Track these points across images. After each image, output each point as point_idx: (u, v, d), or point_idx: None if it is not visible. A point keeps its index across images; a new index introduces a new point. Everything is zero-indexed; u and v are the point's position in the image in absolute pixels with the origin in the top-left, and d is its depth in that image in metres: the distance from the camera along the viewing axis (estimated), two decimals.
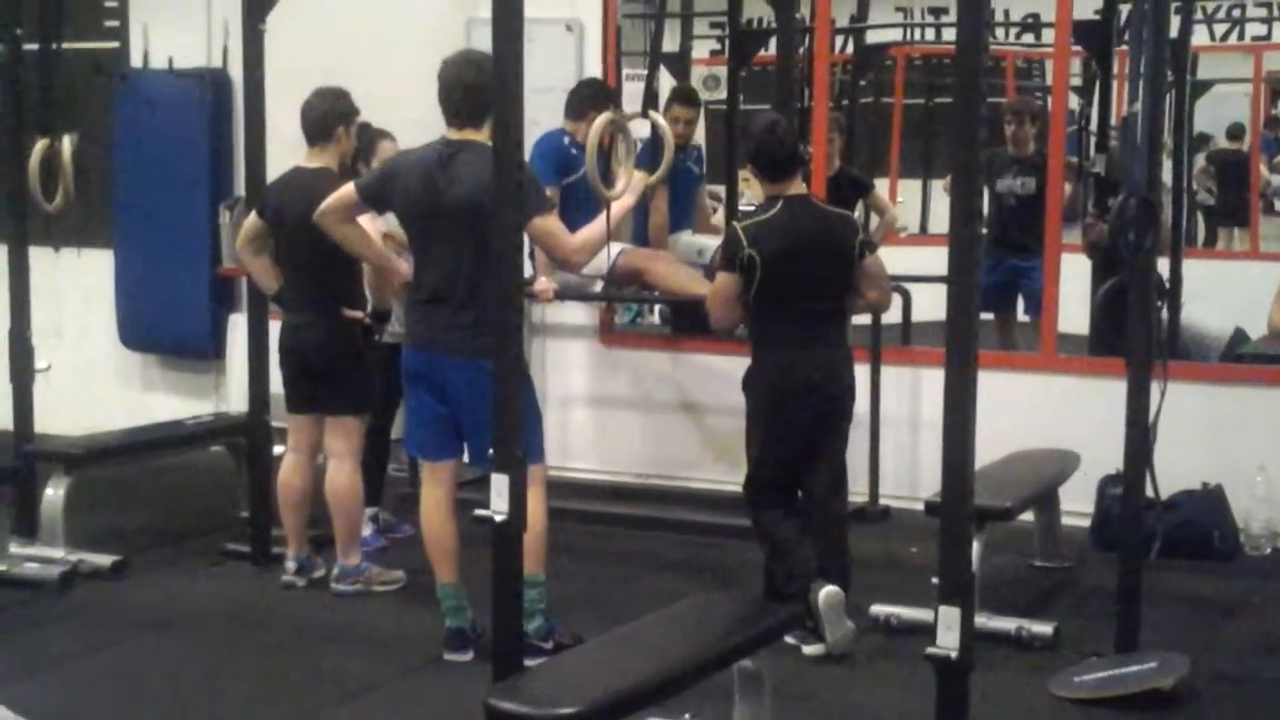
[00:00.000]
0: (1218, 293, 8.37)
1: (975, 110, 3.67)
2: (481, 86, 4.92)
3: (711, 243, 7.28)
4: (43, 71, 6.63)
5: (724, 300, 5.48)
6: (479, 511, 4.18)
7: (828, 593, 5.28)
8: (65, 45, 7.99)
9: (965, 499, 3.75)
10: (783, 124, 5.42)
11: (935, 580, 3.83)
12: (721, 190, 8.64)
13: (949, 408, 3.71)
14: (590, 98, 6.78)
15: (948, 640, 3.73)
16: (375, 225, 5.91)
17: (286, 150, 6.28)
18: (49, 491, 6.36)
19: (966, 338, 3.67)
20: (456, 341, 5.19)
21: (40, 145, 6.53)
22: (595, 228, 5.34)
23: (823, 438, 5.52)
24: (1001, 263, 8.16)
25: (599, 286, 7.05)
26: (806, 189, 5.63)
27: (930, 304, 8.11)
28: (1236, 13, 11.51)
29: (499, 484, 4.16)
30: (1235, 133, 12.64)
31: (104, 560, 6.30)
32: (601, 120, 5.01)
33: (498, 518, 4.15)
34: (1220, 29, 11.54)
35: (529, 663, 4.57)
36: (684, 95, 7.98)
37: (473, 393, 5.07)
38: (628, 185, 5.32)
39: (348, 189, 5.49)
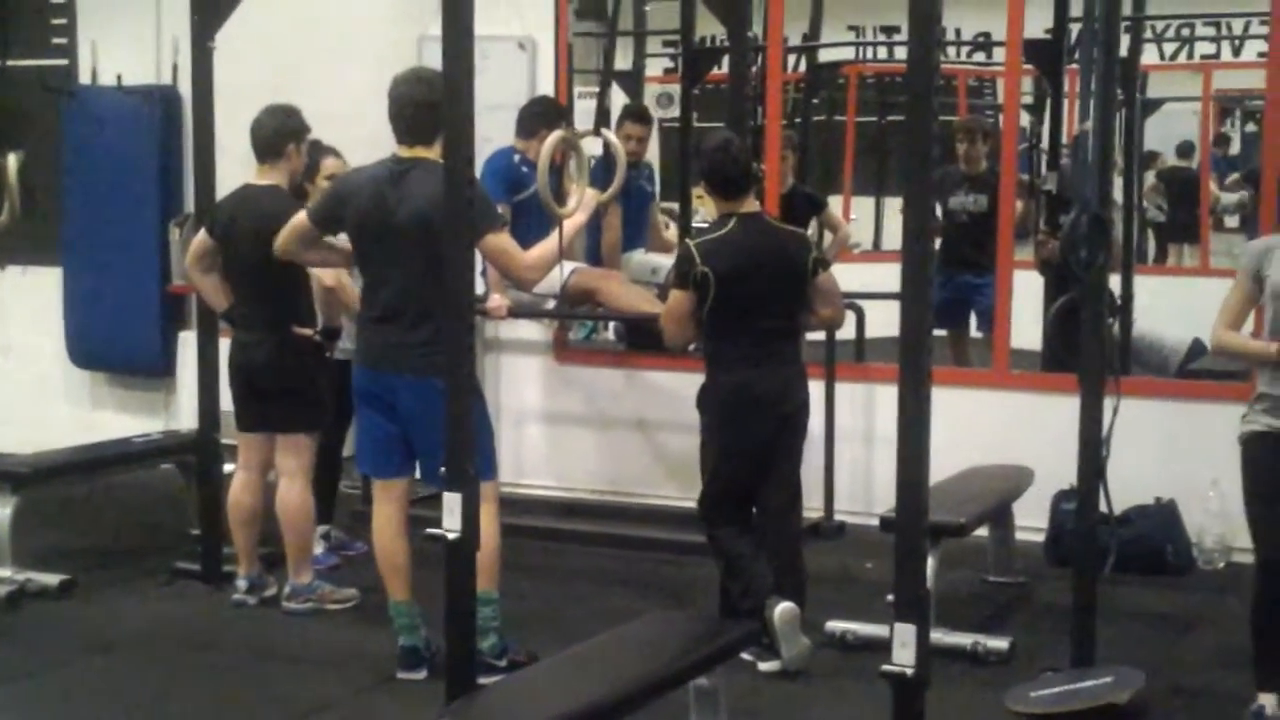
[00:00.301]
0: (1169, 308, 8.40)
1: (927, 128, 3.67)
2: (432, 104, 4.87)
3: (665, 261, 7.28)
4: None
5: (677, 318, 5.47)
6: (431, 530, 4.16)
7: (783, 609, 5.27)
8: (12, 63, 8.01)
9: (920, 516, 3.75)
10: (736, 142, 5.42)
11: (890, 598, 3.82)
12: (675, 207, 8.64)
13: (903, 425, 3.71)
14: (541, 115, 6.77)
15: (903, 657, 3.72)
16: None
17: (237, 167, 6.25)
18: None
19: (919, 354, 3.67)
20: (408, 360, 5.16)
21: None
22: (548, 245, 5.32)
23: (777, 454, 5.51)
24: (953, 279, 8.19)
25: (551, 304, 7.04)
26: (760, 206, 5.63)
27: (885, 320, 8.16)
28: (1186, 32, 11.57)
29: (451, 502, 4.14)
30: (1184, 151, 12.72)
31: (51, 580, 6.22)
32: (553, 138, 4.99)
33: (450, 536, 4.14)
34: (1170, 48, 11.60)
35: (483, 681, 4.61)
36: (636, 113, 7.98)
37: (424, 411, 5.03)
38: (580, 203, 5.29)
39: (299, 218, 5.44)
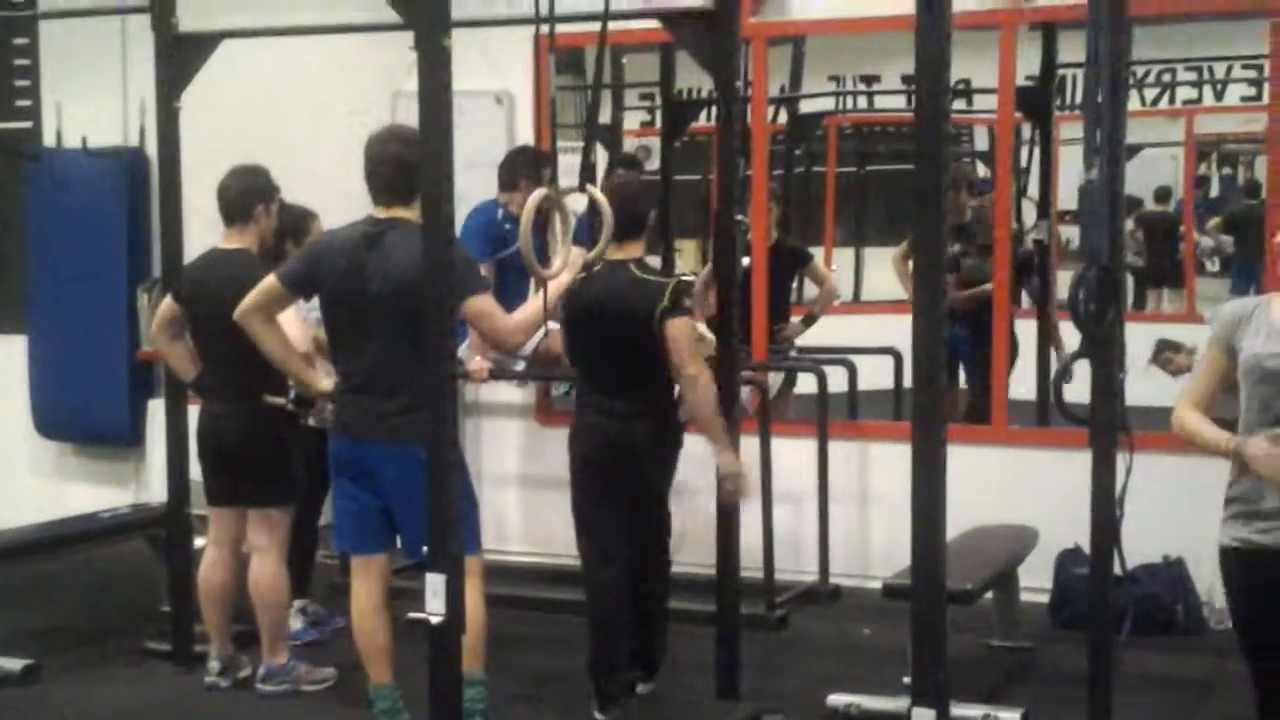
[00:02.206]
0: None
1: (938, 180, 3.50)
2: (410, 163, 4.77)
3: None
4: None
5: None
6: (414, 615, 3.93)
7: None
8: None
9: (938, 592, 3.53)
10: (630, 186, 5.61)
11: (907, 679, 3.59)
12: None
13: (918, 503, 3.49)
14: (523, 165, 6.57)
15: None
16: (303, 326, 5.64)
17: (208, 230, 6.02)
18: None
19: (933, 421, 3.45)
20: (387, 429, 4.96)
21: None
22: (532, 308, 5.15)
23: (622, 503, 5.35)
24: None
25: (520, 366, 6.83)
26: (641, 254, 5.44)
27: (872, 375, 8.00)
28: (1167, 77, 11.49)
29: (435, 584, 3.93)
30: (1162, 195, 12.70)
31: (14, 665, 5.94)
32: (536, 196, 4.77)
33: (434, 620, 3.89)
34: (1150, 93, 11.52)
35: None
36: (628, 161, 7.77)
37: (405, 481, 4.84)
38: (565, 263, 5.08)
39: (269, 281, 5.20)
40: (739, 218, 6.72)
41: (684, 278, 5.99)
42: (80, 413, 8.46)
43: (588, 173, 5.21)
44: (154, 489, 7.99)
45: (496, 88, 7.54)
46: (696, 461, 5.56)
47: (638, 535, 5.40)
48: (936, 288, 3.49)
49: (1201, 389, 4.04)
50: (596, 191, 5.11)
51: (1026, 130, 8.10)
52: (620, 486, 5.33)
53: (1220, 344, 3.99)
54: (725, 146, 5.38)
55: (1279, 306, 3.96)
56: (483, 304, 4.91)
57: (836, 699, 5.40)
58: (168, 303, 5.85)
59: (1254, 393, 3.88)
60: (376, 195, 5.08)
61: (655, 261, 8.38)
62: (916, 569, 3.55)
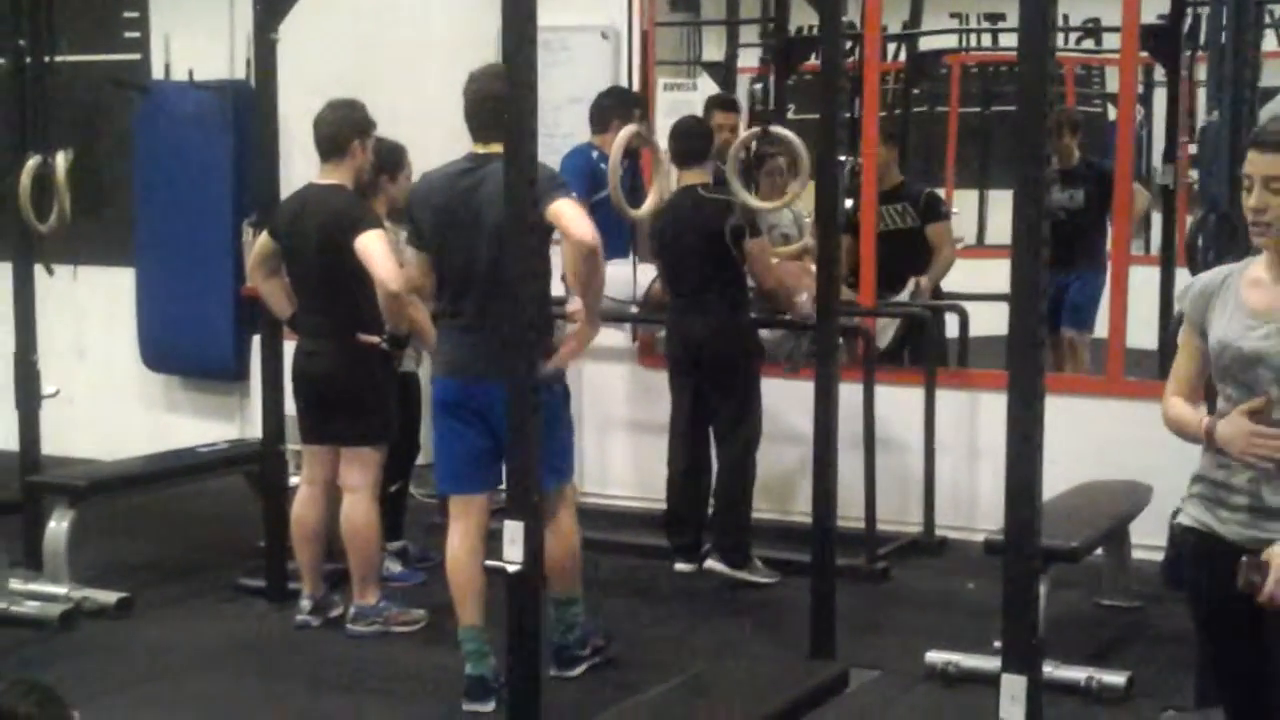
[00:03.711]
0: None
1: (1041, 121, 3.29)
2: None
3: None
4: (35, 85, 6.25)
5: None
6: (491, 563, 3.82)
7: None
8: (84, 57, 7.79)
9: (1032, 551, 3.35)
10: (687, 120, 6.34)
11: (998, 644, 3.43)
12: None
13: (1012, 456, 3.31)
14: (613, 107, 6.40)
15: (1013, 713, 3.32)
16: (397, 266, 5.53)
17: (311, 165, 5.89)
18: (51, 525, 6.02)
19: (1031, 374, 3.26)
20: (481, 359, 4.89)
21: (31, 163, 6.14)
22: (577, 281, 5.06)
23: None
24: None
25: (633, 310, 6.81)
26: (708, 179, 6.24)
27: (989, 321, 7.74)
28: None
29: (513, 531, 3.80)
30: None
31: (109, 597, 5.94)
32: (625, 133, 4.61)
33: (511, 568, 3.77)
34: None
35: (569, 673, 5.14)
36: (723, 101, 7.56)
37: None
38: (655, 203, 4.93)
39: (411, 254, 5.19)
40: (847, 158, 6.57)
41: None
42: (186, 347, 8.45)
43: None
44: (257, 424, 7.95)
45: (603, 22, 7.37)
46: (805, 409, 5.41)
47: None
48: (1037, 236, 3.30)
49: (1182, 374, 3.54)
50: (650, 135, 5.01)
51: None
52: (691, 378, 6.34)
53: (1193, 325, 3.50)
54: (828, 84, 5.18)
55: (1250, 278, 3.41)
56: (562, 205, 4.72)
57: (934, 656, 5.23)
58: (264, 239, 5.79)
59: (1226, 380, 3.41)
60: (476, 132, 5.01)
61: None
62: (1009, 528, 3.36)
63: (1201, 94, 8.13)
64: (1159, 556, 6.20)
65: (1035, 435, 3.31)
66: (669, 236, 6.20)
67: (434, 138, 7.25)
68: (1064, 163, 7.87)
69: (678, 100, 7.07)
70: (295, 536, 5.80)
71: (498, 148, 4.81)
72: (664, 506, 6.60)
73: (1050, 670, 4.85)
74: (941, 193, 10.42)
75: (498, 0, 4.13)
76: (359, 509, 5.62)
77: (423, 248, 5.12)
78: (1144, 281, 7.34)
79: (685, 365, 6.34)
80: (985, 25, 11.14)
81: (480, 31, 7.34)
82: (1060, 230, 7.71)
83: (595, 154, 6.60)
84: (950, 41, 10.74)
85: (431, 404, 5.17)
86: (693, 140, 6.21)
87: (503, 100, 4.68)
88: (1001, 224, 10.26)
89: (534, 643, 3.89)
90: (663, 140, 6.03)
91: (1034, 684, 3.34)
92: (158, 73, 8.39)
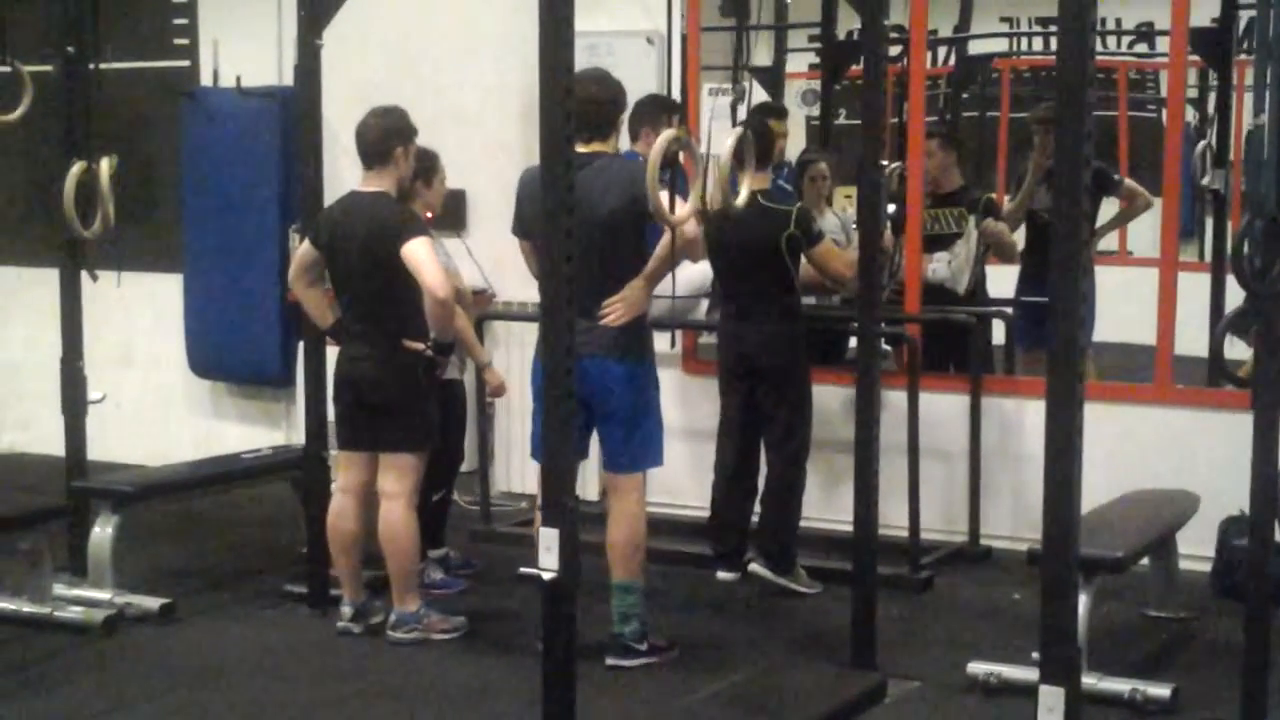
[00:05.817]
0: None
1: (1080, 126, 3.23)
2: (608, 100, 5.34)
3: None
4: (80, 92, 6.27)
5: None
6: (524, 570, 3.79)
7: None
8: (133, 64, 7.82)
9: (1069, 560, 3.30)
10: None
11: (1036, 655, 3.38)
12: None
13: (1050, 466, 3.26)
14: (640, 115, 6.28)
15: None
16: (444, 274, 5.52)
17: (358, 172, 5.88)
18: (96, 530, 6.05)
19: (1069, 380, 3.22)
20: (591, 342, 5.16)
21: (76, 168, 6.16)
22: (658, 251, 5.25)
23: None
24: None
25: (704, 306, 6.92)
26: (767, 185, 6.25)
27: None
28: None
29: (548, 539, 3.73)
30: None
31: (152, 603, 5.96)
32: (664, 138, 4.56)
33: (546, 576, 3.73)
34: None
35: (624, 663, 5.28)
36: (771, 108, 7.51)
37: (604, 390, 5.26)
38: (692, 210, 4.91)
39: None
40: (892, 165, 6.52)
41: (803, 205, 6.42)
42: (233, 352, 8.49)
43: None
44: (304, 430, 7.99)
45: (648, 28, 7.34)
46: (849, 415, 5.39)
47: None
48: (1076, 242, 3.25)
49: None
50: (690, 139, 4.96)
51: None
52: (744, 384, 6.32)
53: None
54: (869, 88, 5.14)
55: None
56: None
57: (977, 667, 5.17)
58: (305, 247, 5.78)
59: None
60: (576, 132, 5.01)
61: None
62: (1046, 536, 3.31)
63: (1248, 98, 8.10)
64: (1207, 567, 6.18)
65: (1073, 443, 3.25)
66: (727, 242, 6.08)
67: (475, 143, 7.29)
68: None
69: (720, 106, 7.02)
70: (332, 544, 5.79)
71: (598, 146, 5.31)
72: (705, 514, 6.57)
73: (1094, 682, 4.82)
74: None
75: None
76: (396, 515, 5.61)
77: (525, 236, 5.47)
78: (1194, 288, 7.26)
79: (739, 372, 6.32)
80: (1036, 29, 11.06)
81: (524, 37, 7.34)
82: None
83: (640, 160, 6.54)
84: (1001, 45, 10.65)
85: (532, 381, 5.29)
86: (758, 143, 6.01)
87: (599, 102, 5.30)
88: None
89: (569, 648, 3.84)
90: (709, 144, 5.92)
91: (1072, 695, 3.28)
92: (206, 79, 8.43)
